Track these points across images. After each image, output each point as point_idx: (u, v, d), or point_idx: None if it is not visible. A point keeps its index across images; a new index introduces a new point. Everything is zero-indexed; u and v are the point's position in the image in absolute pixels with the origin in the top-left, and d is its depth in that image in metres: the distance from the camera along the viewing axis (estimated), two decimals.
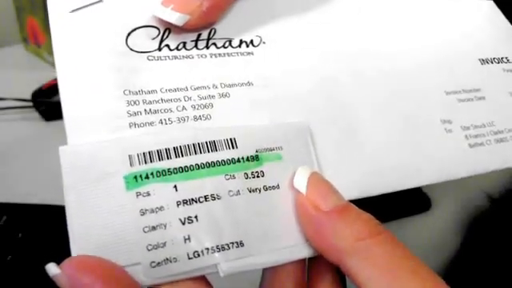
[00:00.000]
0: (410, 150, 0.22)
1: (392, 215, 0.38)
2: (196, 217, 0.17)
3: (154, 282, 0.17)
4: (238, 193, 0.18)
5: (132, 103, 0.19)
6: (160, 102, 0.19)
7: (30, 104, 0.54)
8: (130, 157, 0.17)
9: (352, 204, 0.18)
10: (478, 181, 0.44)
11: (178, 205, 0.17)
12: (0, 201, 0.39)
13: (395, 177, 0.21)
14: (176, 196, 0.17)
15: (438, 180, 0.22)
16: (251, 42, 0.22)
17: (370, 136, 0.22)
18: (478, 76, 0.25)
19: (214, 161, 0.18)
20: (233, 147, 0.19)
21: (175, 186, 0.17)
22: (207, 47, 0.22)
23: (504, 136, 0.24)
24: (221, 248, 0.17)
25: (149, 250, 0.17)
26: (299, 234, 0.19)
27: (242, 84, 0.21)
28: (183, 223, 0.17)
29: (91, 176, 0.17)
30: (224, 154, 0.18)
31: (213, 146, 0.19)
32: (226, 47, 0.22)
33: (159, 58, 0.20)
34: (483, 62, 0.26)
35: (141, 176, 0.17)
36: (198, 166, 0.18)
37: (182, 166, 0.18)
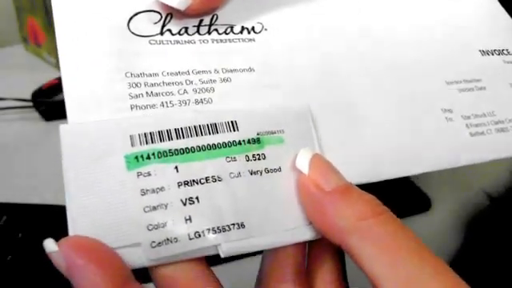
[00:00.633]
0: (410, 138, 0.22)
1: None
2: (197, 198, 0.17)
3: (154, 263, 0.17)
4: (239, 175, 0.18)
5: (133, 85, 0.19)
6: (161, 84, 0.20)
7: (30, 104, 0.54)
8: (131, 137, 0.18)
9: (354, 185, 0.18)
10: (478, 180, 0.44)
11: (178, 186, 0.17)
12: (0, 201, 0.39)
13: (395, 163, 0.21)
14: (177, 177, 0.17)
15: (437, 168, 0.22)
16: (253, 28, 0.23)
17: (371, 123, 0.22)
18: (479, 67, 0.26)
19: (215, 143, 0.18)
20: (234, 130, 0.19)
21: (176, 167, 0.18)
22: (209, 33, 0.22)
23: (505, 126, 0.24)
24: (222, 229, 0.17)
25: (149, 230, 0.17)
26: (301, 217, 0.19)
27: (244, 70, 0.21)
28: (184, 204, 0.17)
29: (92, 155, 0.17)
30: (225, 137, 0.19)
31: (214, 129, 0.19)
32: (227, 33, 0.22)
33: (161, 42, 0.21)
34: (484, 53, 0.27)
35: (142, 156, 0.17)
36: (199, 148, 0.18)
37: (183, 147, 0.18)
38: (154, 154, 0.17)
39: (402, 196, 0.40)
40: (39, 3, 0.61)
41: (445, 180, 0.44)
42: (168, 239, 0.17)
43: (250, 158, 0.19)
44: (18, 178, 0.44)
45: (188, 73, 0.20)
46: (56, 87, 0.54)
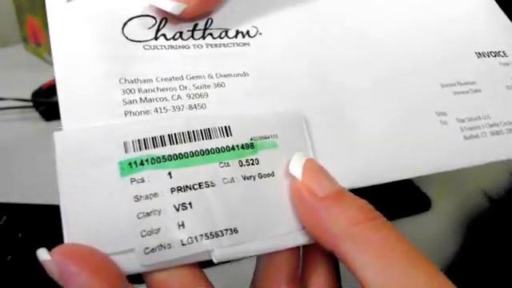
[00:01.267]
0: (404, 142, 0.22)
1: (392, 215, 0.37)
2: (190, 203, 0.17)
3: (147, 269, 0.17)
4: (233, 180, 0.18)
5: (127, 92, 0.19)
6: (155, 90, 0.19)
7: (30, 104, 0.54)
8: (124, 143, 0.18)
9: (347, 190, 0.18)
10: (478, 181, 0.44)
11: (172, 191, 0.17)
12: (0, 201, 0.39)
13: (389, 168, 0.21)
14: (170, 183, 0.17)
15: (432, 171, 0.22)
16: (247, 32, 0.22)
17: (365, 127, 0.22)
18: (474, 69, 0.25)
19: (209, 148, 0.18)
20: (227, 135, 0.19)
21: (169, 173, 0.18)
22: (203, 37, 0.22)
23: (499, 129, 0.24)
24: (214, 235, 0.17)
25: (142, 236, 0.17)
26: (294, 222, 0.19)
27: (238, 74, 0.21)
28: (177, 210, 0.17)
29: (85, 161, 0.17)
30: (218, 142, 0.19)
31: (207, 134, 0.19)
32: (222, 38, 0.22)
33: (155, 47, 0.21)
34: (479, 55, 0.26)
35: (135, 162, 0.17)
36: (193, 154, 0.18)
37: (177, 153, 0.18)
38: (147, 161, 0.18)
39: (402, 196, 0.40)
40: (39, 3, 0.61)
41: (445, 180, 0.44)
42: (161, 245, 0.17)
43: (244, 163, 0.19)
44: (17, 177, 0.44)
45: (182, 78, 0.20)
46: (56, 87, 0.54)
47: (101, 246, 0.16)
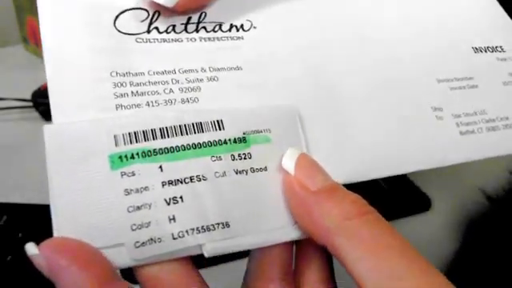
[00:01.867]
0: (399, 137, 0.22)
1: (392, 215, 0.37)
2: (181, 197, 0.17)
3: (138, 263, 0.17)
4: (224, 174, 0.18)
5: (119, 85, 0.19)
6: (147, 84, 0.19)
7: (30, 104, 0.54)
8: (115, 136, 0.17)
9: (340, 184, 0.18)
10: (477, 181, 0.44)
11: (163, 185, 0.17)
12: (0, 201, 0.39)
13: (383, 163, 0.21)
14: (161, 176, 0.17)
15: (427, 167, 0.22)
16: (241, 26, 0.22)
17: (359, 121, 0.21)
18: (471, 64, 0.25)
19: (201, 142, 0.18)
20: (220, 129, 0.19)
21: (160, 167, 0.17)
22: (197, 31, 0.21)
23: (496, 124, 0.24)
24: (206, 229, 0.17)
25: (133, 230, 0.17)
26: (287, 217, 0.19)
27: (231, 68, 0.21)
28: (168, 203, 0.17)
29: (76, 155, 0.17)
30: (210, 136, 0.18)
31: (199, 128, 0.18)
32: (215, 31, 0.22)
33: (148, 41, 0.20)
34: (477, 50, 0.26)
35: (126, 156, 0.17)
36: (184, 147, 0.18)
37: (168, 146, 0.18)
38: (138, 154, 0.17)
39: (401, 196, 0.40)
40: None
41: (445, 180, 0.44)
42: (152, 239, 0.17)
43: (236, 157, 0.19)
44: (18, 177, 0.44)
45: (174, 72, 0.20)
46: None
47: (91, 240, 0.16)
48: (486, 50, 0.26)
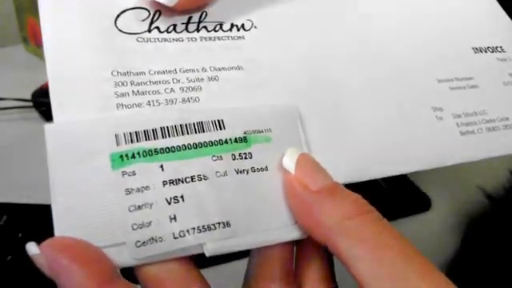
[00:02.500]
0: (400, 137, 0.22)
1: (392, 215, 0.37)
2: (182, 197, 0.17)
3: (138, 262, 0.17)
4: (225, 174, 0.18)
5: (120, 84, 0.19)
6: (148, 83, 0.19)
7: (30, 104, 0.54)
8: (116, 136, 0.17)
9: (340, 184, 0.18)
10: (478, 180, 0.44)
11: (164, 184, 0.17)
12: (0, 201, 0.39)
13: (384, 162, 0.21)
14: (162, 176, 0.17)
15: (427, 167, 0.22)
16: (242, 26, 0.22)
17: (360, 121, 0.22)
18: (472, 65, 0.25)
19: (202, 142, 0.18)
20: (220, 128, 0.19)
21: (161, 166, 0.18)
22: (198, 30, 0.21)
23: (496, 125, 0.24)
24: (207, 228, 0.17)
25: (134, 230, 0.17)
26: (287, 216, 0.19)
27: (232, 68, 0.21)
28: (169, 203, 0.17)
29: (76, 154, 0.17)
30: (211, 136, 0.18)
31: (200, 127, 0.19)
32: (216, 31, 0.22)
33: (148, 40, 0.20)
34: (477, 50, 0.26)
35: (127, 155, 0.17)
36: (185, 147, 0.18)
37: (169, 146, 0.18)
38: (139, 153, 0.17)
39: (401, 196, 0.40)
40: None
41: (445, 180, 0.44)
42: (153, 238, 0.17)
43: (237, 156, 0.19)
44: (18, 177, 0.44)
45: (175, 71, 0.20)
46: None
47: (92, 240, 0.16)
48: (486, 50, 0.26)
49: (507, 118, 0.24)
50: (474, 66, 0.25)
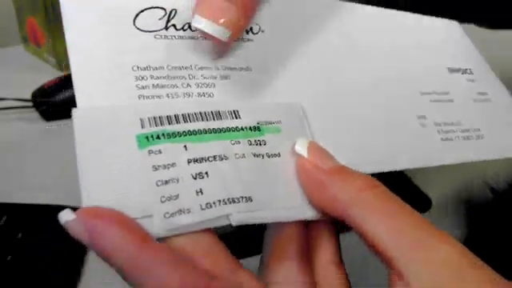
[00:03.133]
0: (388, 139, 0.24)
1: None
2: (206, 173, 0.19)
3: (167, 233, 0.17)
4: (244, 156, 0.20)
5: (140, 78, 0.20)
6: (166, 78, 0.21)
7: (30, 104, 0.54)
8: (141, 120, 0.19)
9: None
10: (479, 180, 0.44)
11: (188, 162, 0.18)
12: (0, 201, 0.39)
13: (375, 159, 0.23)
14: (186, 155, 0.19)
15: (412, 166, 0.24)
16: (251, 29, 0.24)
17: (354, 122, 0.24)
18: (447, 82, 0.29)
19: (220, 127, 0.20)
20: (236, 117, 0.20)
21: (185, 146, 0.19)
22: None
23: (470, 134, 0.27)
24: (231, 201, 0.18)
25: (162, 202, 0.17)
26: (302, 198, 0.20)
27: (241, 68, 0.22)
28: (194, 178, 0.18)
29: (103, 136, 0.18)
30: (229, 123, 0.20)
31: (218, 115, 0.20)
32: None
33: (166, 37, 0.22)
34: (451, 70, 0.31)
35: (152, 136, 0.18)
36: (205, 131, 0.19)
37: (191, 129, 0.19)
38: (163, 135, 0.19)
39: (402, 196, 0.40)
40: (39, 3, 0.61)
41: (445, 180, 0.44)
42: (181, 210, 0.17)
43: (253, 142, 0.20)
44: (17, 177, 0.44)
45: (191, 68, 0.21)
46: (56, 87, 0.54)
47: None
48: (458, 70, 0.31)
49: (479, 129, 0.28)
50: (450, 83, 0.29)
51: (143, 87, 0.20)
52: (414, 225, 0.17)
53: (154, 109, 0.19)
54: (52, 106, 0.53)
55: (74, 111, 0.18)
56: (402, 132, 0.25)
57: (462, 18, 0.35)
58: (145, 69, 0.20)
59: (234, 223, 0.18)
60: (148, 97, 0.20)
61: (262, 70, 0.23)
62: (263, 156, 0.20)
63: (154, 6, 0.22)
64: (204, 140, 0.19)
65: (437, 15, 0.33)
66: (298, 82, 0.24)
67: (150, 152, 0.18)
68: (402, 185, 0.41)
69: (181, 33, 0.22)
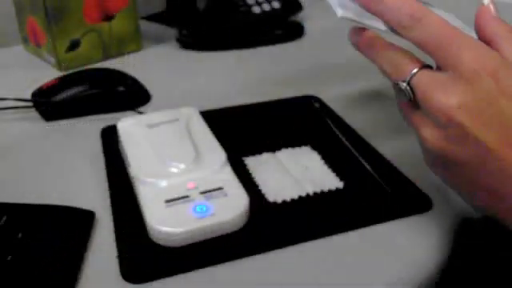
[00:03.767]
0: None
1: (392, 215, 0.38)
2: None
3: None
4: None
5: None
6: None
7: (30, 104, 0.54)
8: None
9: None
10: None
11: None
12: (0, 201, 0.39)
13: None
14: None
15: None
16: None
17: None
18: None
19: None
20: None
21: None
22: None
23: None
24: None
25: None
26: None
27: None
28: None
29: None
30: None
31: None
32: None
33: None
34: None
35: None
36: None
37: None
38: None
39: (402, 196, 0.40)
40: (39, 3, 0.61)
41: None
42: None
43: None
44: (17, 177, 0.44)
45: None
46: (56, 87, 0.54)
47: None
48: None
49: None
50: None
51: None
52: None
53: None
54: (52, 106, 0.53)
55: None
56: None
57: None
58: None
59: None
60: None
61: None
62: None
63: None
64: None
65: None
66: None
67: None
68: (402, 185, 0.41)
69: None
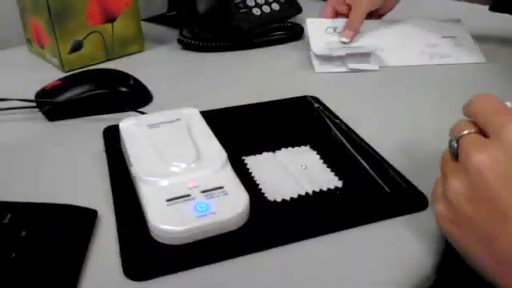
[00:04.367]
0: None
1: (388, 214, 0.38)
2: None
3: None
4: None
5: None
6: None
7: (34, 104, 0.54)
8: None
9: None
10: None
11: None
12: (4, 199, 0.39)
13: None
14: None
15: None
16: None
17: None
18: (445, 44, 0.69)
19: None
20: None
21: None
22: None
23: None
24: None
25: None
26: None
27: None
28: None
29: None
30: None
31: None
32: None
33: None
34: (444, 37, 0.71)
35: None
36: None
37: None
38: None
39: (398, 195, 0.40)
40: (43, 4, 0.62)
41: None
42: None
43: None
44: (21, 177, 0.45)
45: None
46: (59, 88, 0.54)
47: None
48: (448, 36, 0.71)
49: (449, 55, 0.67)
50: (447, 44, 0.70)
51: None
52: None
53: None
54: (55, 107, 0.53)
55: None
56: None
57: None
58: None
59: None
60: None
61: None
62: None
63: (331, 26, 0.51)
64: None
65: None
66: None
67: None
68: (398, 184, 0.41)
69: None
